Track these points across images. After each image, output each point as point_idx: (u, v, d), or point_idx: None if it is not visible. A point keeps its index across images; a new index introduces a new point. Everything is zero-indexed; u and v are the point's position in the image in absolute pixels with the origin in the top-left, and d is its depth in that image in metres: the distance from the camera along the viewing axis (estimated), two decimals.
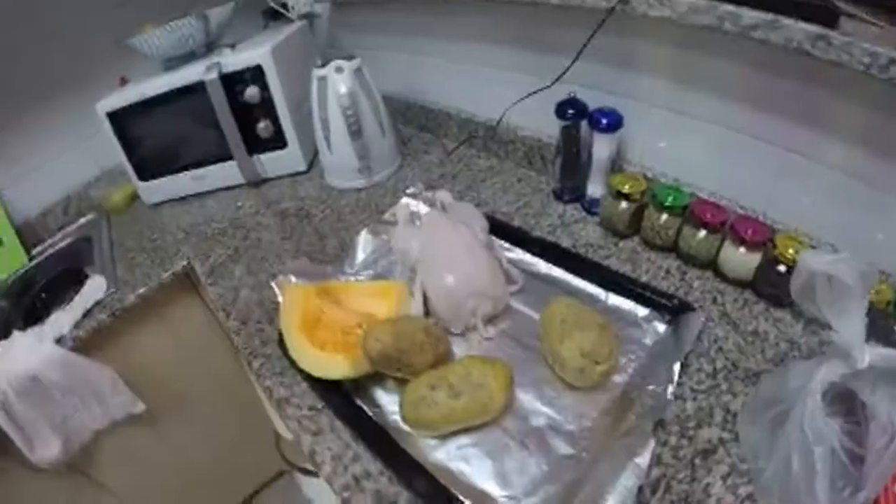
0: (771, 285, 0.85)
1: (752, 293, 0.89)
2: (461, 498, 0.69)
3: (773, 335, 0.82)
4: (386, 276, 1.05)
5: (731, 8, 0.77)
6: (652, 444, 0.67)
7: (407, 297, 0.94)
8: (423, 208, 1.15)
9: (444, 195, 1.11)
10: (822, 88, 0.79)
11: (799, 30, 0.71)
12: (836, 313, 0.57)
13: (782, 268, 0.82)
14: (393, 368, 0.80)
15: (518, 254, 1.04)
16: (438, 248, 0.94)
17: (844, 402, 0.58)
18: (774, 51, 0.75)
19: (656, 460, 0.69)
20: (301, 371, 0.87)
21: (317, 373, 0.84)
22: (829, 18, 0.71)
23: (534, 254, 1.03)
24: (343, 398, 0.84)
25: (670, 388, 0.73)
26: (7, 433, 1.15)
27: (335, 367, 0.83)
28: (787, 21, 0.72)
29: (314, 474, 0.82)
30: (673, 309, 0.85)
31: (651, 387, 0.75)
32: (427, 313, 0.93)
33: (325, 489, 0.80)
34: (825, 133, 0.82)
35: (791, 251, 0.81)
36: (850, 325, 0.56)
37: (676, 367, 0.75)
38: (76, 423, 1.27)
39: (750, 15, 0.75)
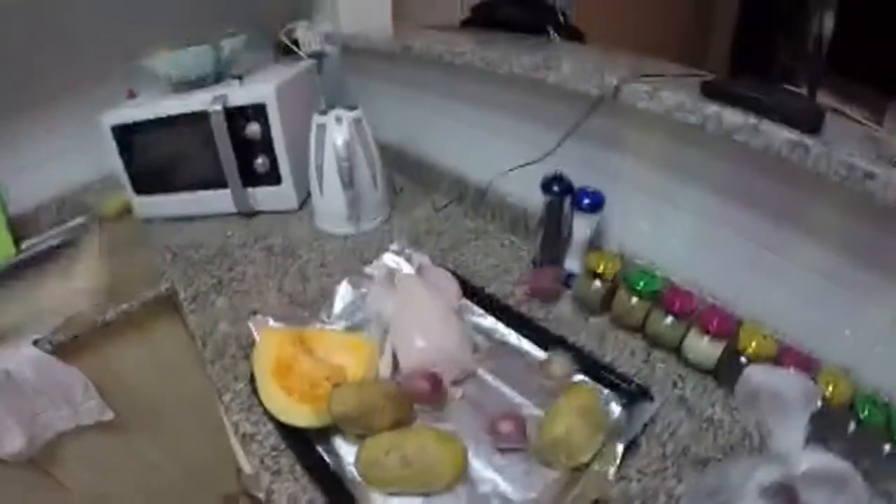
0: (731, 374, 0.87)
1: (712, 381, 0.93)
2: None
3: (727, 423, 0.85)
4: (361, 328, 1.08)
5: (715, 109, 0.80)
6: None
7: (376, 356, 0.98)
8: (403, 265, 1.19)
9: (422, 258, 1.16)
10: (800, 191, 0.83)
11: (778, 136, 0.74)
12: (777, 424, 0.60)
13: (743, 359, 0.87)
14: (355, 427, 0.84)
15: (490, 322, 1.07)
16: (411, 312, 0.98)
17: (786, 496, 0.60)
18: (755, 153, 0.78)
19: None
20: (268, 411, 0.90)
21: (282, 418, 0.87)
22: (813, 122, 0.74)
23: (505, 324, 1.06)
24: (304, 443, 0.87)
25: (611, 469, 0.77)
26: None
27: (300, 415, 0.87)
28: (767, 127, 0.75)
29: None
30: (630, 393, 0.89)
31: (595, 466, 0.79)
32: (395, 372, 0.97)
33: None
34: (799, 233, 0.87)
35: (753, 345, 0.85)
36: (788, 436, 0.60)
37: (619, 448, 0.79)
38: (43, 422, 1.28)
39: (732, 119, 0.78)
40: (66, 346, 1.25)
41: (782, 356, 0.86)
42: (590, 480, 0.77)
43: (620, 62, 0.99)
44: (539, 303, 1.13)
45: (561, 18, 1.42)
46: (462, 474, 0.81)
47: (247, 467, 0.98)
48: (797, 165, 0.74)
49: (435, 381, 0.90)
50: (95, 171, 1.72)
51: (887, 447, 0.74)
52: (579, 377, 0.94)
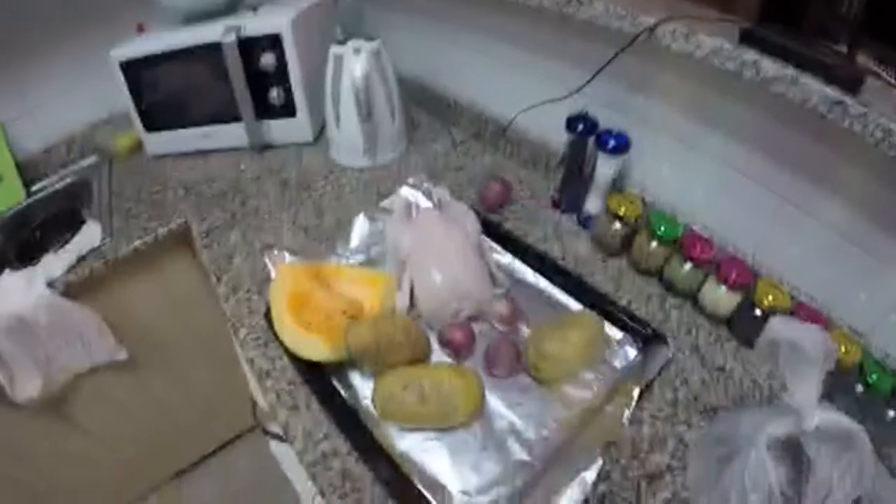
0: (745, 326, 0.89)
1: (726, 330, 0.93)
2: (420, 488, 0.73)
3: (738, 374, 0.86)
4: (377, 263, 1.07)
5: (754, 56, 0.76)
6: (599, 461, 0.72)
7: (394, 290, 0.97)
8: (421, 200, 1.17)
9: (442, 192, 1.13)
10: (831, 149, 0.80)
11: (817, 91, 0.71)
12: (794, 377, 0.60)
13: (758, 312, 0.86)
14: (371, 363, 0.83)
15: (508, 259, 1.06)
16: (430, 246, 0.96)
17: (791, 450, 0.61)
18: (790, 105, 0.75)
19: (605, 476, 0.73)
20: (284, 346, 0.90)
21: (298, 352, 0.87)
22: (852, 82, 0.70)
23: (523, 261, 1.05)
24: (321, 378, 0.87)
25: (626, 413, 0.77)
26: None
27: (315, 349, 0.86)
28: (806, 80, 0.72)
29: (285, 440, 0.86)
30: (646, 337, 0.88)
31: (609, 408, 0.79)
32: (412, 307, 0.96)
33: (291, 452, 0.85)
34: (826, 191, 0.84)
35: (770, 298, 0.84)
36: (804, 391, 0.59)
37: (636, 392, 0.79)
38: (58, 364, 1.30)
39: (771, 67, 0.75)
40: (79, 286, 1.25)
41: (797, 312, 0.85)
42: (603, 422, 0.78)
43: (653, 3, 0.93)
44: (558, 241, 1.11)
45: None
46: (478, 410, 0.80)
47: (262, 402, 0.98)
48: (831, 123, 0.71)
49: (469, 333, 0.89)
50: (104, 109, 1.68)
51: (892, 413, 0.75)
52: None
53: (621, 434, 0.77)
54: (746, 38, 0.79)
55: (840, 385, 0.74)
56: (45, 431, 1.42)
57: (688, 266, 0.94)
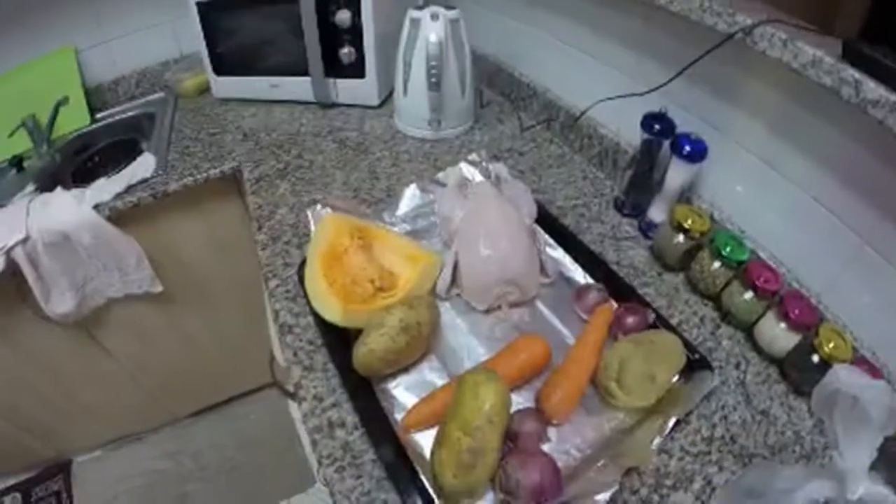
0: (799, 371, 0.81)
1: (777, 371, 0.85)
2: (424, 480, 0.69)
3: (781, 421, 0.78)
4: (422, 235, 1.04)
5: (855, 74, 0.68)
6: (615, 487, 0.66)
7: (433, 273, 0.93)
8: (477, 177, 1.12)
9: (500, 168, 1.09)
10: None
11: None
12: (849, 437, 0.53)
13: (816, 358, 0.78)
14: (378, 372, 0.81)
15: (560, 254, 1.00)
16: (482, 221, 0.91)
17: None
18: (888, 135, 0.67)
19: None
20: (311, 304, 0.87)
21: (314, 304, 0.85)
22: None
23: (574, 259, 0.99)
24: (342, 343, 0.83)
25: (657, 440, 0.72)
26: (28, 280, 1.20)
27: (329, 309, 0.84)
28: None
29: (294, 399, 0.83)
30: (691, 362, 0.81)
31: (640, 431, 0.73)
32: (453, 285, 0.92)
33: None
34: None
35: (831, 345, 0.76)
36: (857, 455, 0.52)
37: (671, 421, 0.73)
38: (94, 287, 1.33)
39: (874, 89, 0.66)
40: (125, 215, 1.27)
41: (856, 366, 0.74)
42: (631, 445, 0.72)
43: (752, 5, 0.85)
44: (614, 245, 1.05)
45: None
46: None
47: (280, 358, 0.96)
48: None
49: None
50: (177, 49, 1.73)
51: None
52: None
53: (647, 461, 0.71)
54: (850, 54, 0.71)
55: (886, 459, 0.66)
56: (73, 349, 1.47)
57: (748, 294, 0.86)
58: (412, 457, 0.71)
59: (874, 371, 0.77)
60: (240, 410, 2.01)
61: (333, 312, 0.83)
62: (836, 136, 0.80)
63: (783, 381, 0.83)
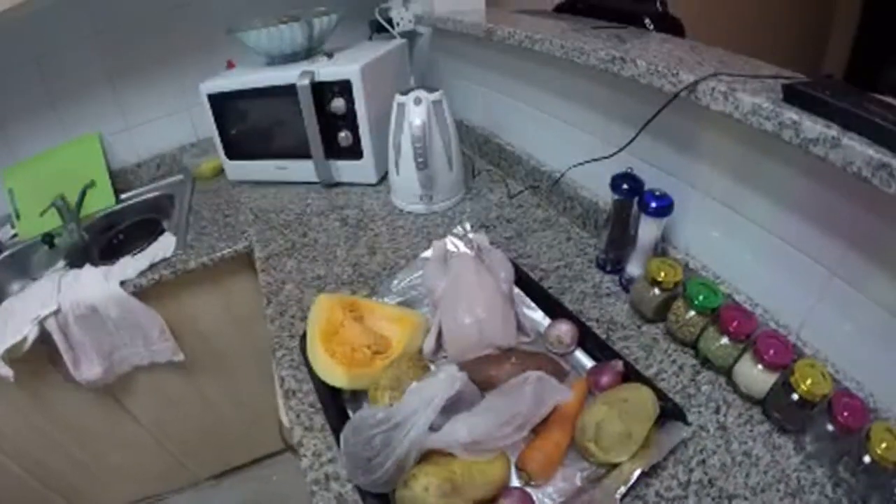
0: (779, 410, 0.82)
1: (759, 411, 0.85)
2: None
3: (764, 462, 0.78)
4: (412, 305, 1.12)
5: (793, 116, 0.71)
6: None
7: (421, 331, 1.01)
8: (461, 247, 1.20)
9: (481, 238, 1.15)
10: (880, 218, 0.73)
11: (860, 153, 0.64)
12: None
13: (795, 396, 0.78)
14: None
15: (539, 316, 1.06)
16: (461, 289, 0.99)
17: None
18: (834, 169, 0.68)
19: None
20: (312, 371, 0.95)
21: (320, 375, 0.93)
22: None
23: (552, 318, 1.03)
24: (337, 406, 0.91)
25: (622, 489, 0.73)
26: (59, 349, 1.31)
27: (335, 376, 0.92)
28: (848, 141, 0.65)
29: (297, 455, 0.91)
30: (664, 411, 0.82)
31: (607, 480, 0.75)
32: (439, 349, 0.99)
33: None
34: (877, 265, 0.75)
35: (808, 382, 0.76)
36: None
37: (636, 472, 0.74)
38: (121, 356, 1.43)
39: (812, 127, 0.69)
40: (149, 290, 1.37)
41: (837, 399, 0.76)
42: (596, 496, 0.73)
43: (707, 58, 0.92)
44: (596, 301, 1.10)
45: (659, 7, 1.36)
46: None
47: (285, 420, 1.03)
48: (880, 190, 0.63)
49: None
50: (192, 134, 1.89)
51: None
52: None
53: None
54: (790, 95, 0.75)
55: (876, 487, 0.68)
56: (100, 413, 1.56)
57: (724, 339, 0.89)
58: None
59: (855, 402, 0.75)
60: (261, 473, 2.06)
61: (339, 379, 0.91)
62: (789, 176, 0.84)
63: (766, 421, 0.83)
